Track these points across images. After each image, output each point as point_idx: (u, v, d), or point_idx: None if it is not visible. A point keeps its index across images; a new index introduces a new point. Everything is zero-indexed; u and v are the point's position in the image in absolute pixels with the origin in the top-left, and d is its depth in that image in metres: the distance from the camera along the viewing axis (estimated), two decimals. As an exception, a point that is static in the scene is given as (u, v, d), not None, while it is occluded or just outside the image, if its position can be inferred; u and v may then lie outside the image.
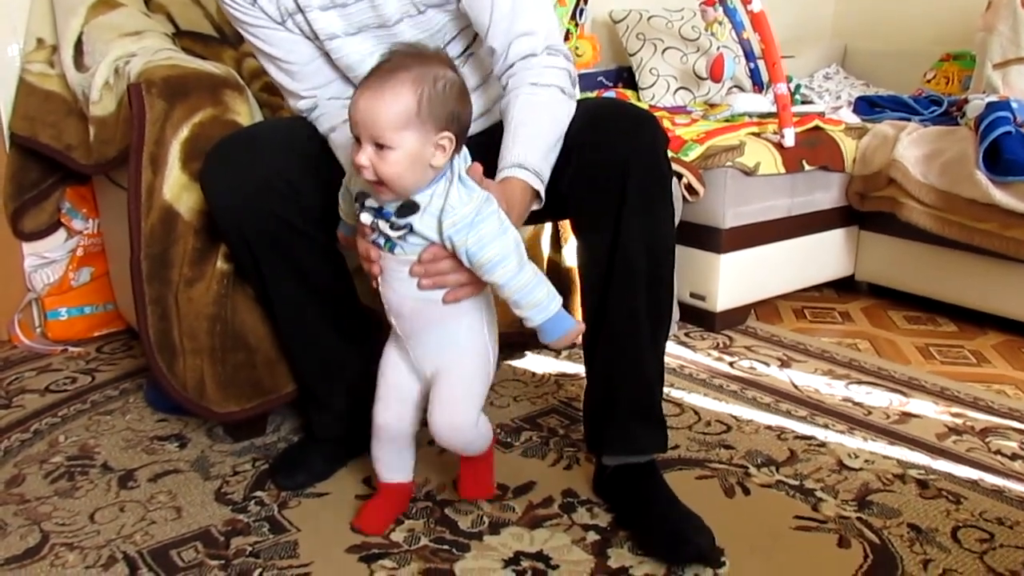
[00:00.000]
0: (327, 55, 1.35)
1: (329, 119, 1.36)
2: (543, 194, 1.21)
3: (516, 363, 1.99)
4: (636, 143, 1.23)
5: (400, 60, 1.06)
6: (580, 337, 1.19)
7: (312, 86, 1.37)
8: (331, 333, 1.43)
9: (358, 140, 1.07)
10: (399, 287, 1.17)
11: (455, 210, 1.08)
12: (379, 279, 1.18)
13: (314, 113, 1.38)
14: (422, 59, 1.07)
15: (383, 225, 1.12)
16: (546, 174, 1.22)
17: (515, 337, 1.81)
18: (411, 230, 1.10)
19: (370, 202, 1.13)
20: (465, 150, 1.13)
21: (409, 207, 1.10)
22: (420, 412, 1.29)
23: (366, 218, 1.13)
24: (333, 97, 1.38)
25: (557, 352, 2.04)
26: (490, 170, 1.19)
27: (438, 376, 1.23)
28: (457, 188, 1.08)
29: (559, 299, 1.13)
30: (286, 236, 1.31)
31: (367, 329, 1.49)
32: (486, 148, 1.21)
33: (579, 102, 1.30)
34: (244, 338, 1.48)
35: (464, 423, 1.24)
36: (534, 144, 1.21)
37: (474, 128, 1.20)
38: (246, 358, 1.49)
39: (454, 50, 1.35)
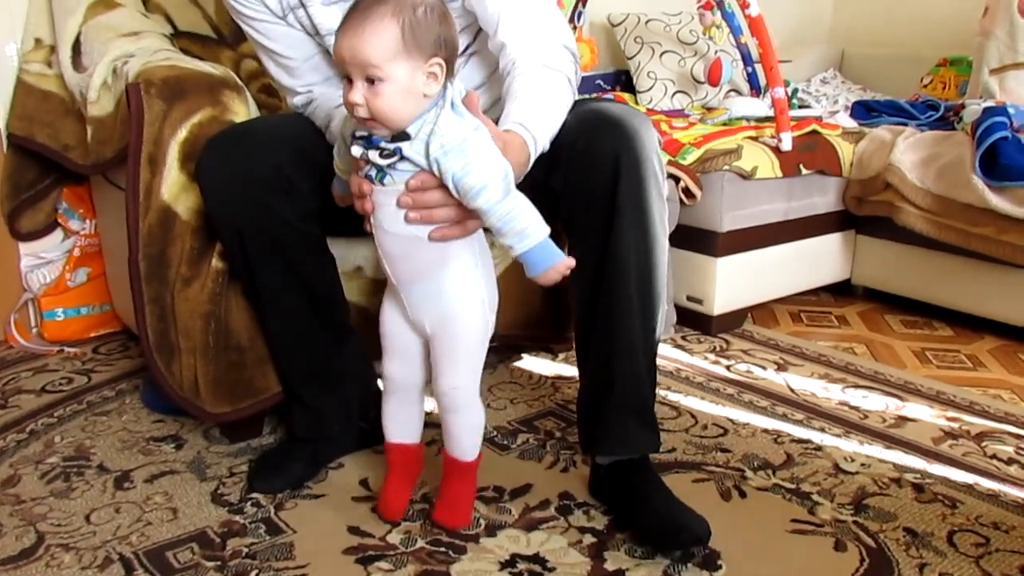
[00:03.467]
0: (326, 51, 1.35)
1: (325, 108, 1.36)
2: (532, 160, 1.20)
3: (513, 366, 1.98)
4: (628, 141, 1.24)
5: None
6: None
7: (309, 82, 1.38)
8: (317, 331, 1.43)
9: (348, 79, 1.06)
10: (388, 223, 1.15)
11: (443, 133, 1.06)
12: (371, 219, 1.17)
13: (310, 107, 1.38)
14: None
15: (373, 155, 1.10)
16: (543, 142, 1.21)
17: (512, 339, 1.82)
18: (401, 156, 1.09)
19: (360, 132, 1.11)
20: (459, 81, 1.12)
21: (400, 135, 1.09)
22: (425, 365, 1.29)
23: (356, 150, 1.11)
24: (329, 91, 1.38)
25: (554, 354, 2.04)
26: None
27: (435, 337, 1.23)
28: (448, 113, 1.08)
29: (546, 229, 1.11)
30: (278, 231, 1.31)
31: (352, 329, 1.49)
32: None
33: (574, 103, 1.31)
34: (236, 337, 1.48)
35: (464, 384, 1.24)
36: (534, 110, 1.21)
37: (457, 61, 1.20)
38: (238, 358, 1.49)
39: None
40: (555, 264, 1.11)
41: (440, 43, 1.06)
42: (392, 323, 1.28)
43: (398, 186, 1.12)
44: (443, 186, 1.10)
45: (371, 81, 1.04)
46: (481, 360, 1.27)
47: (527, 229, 1.09)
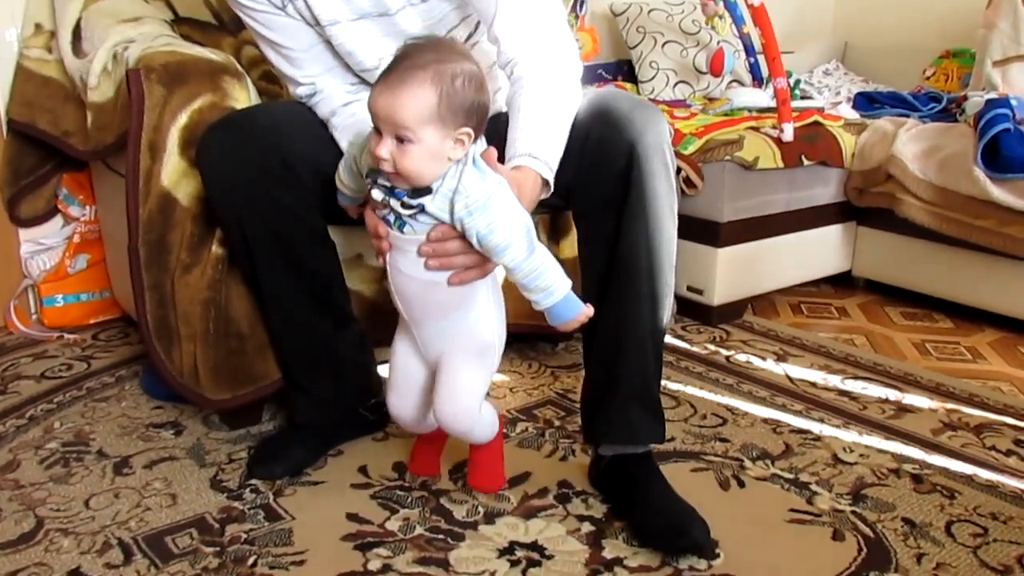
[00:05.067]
0: (327, 42, 1.34)
1: (329, 103, 1.36)
2: (552, 183, 1.21)
3: (512, 355, 1.99)
4: (641, 134, 1.24)
5: (419, 55, 1.06)
6: (578, 331, 1.19)
7: (311, 73, 1.37)
8: (317, 318, 1.43)
9: (378, 131, 1.07)
10: (406, 267, 1.17)
11: (468, 193, 1.08)
12: (386, 257, 1.18)
13: (314, 98, 1.38)
14: (439, 52, 1.07)
15: (394, 203, 1.12)
16: (555, 163, 1.22)
17: (515, 329, 1.81)
18: (422, 210, 1.11)
19: (383, 180, 1.12)
20: (482, 136, 1.13)
21: (422, 189, 1.10)
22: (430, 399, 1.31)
23: (377, 195, 1.12)
24: (333, 83, 1.38)
25: (554, 343, 2.04)
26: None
27: (442, 362, 1.24)
28: (471, 171, 1.09)
29: (568, 283, 1.13)
30: (279, 217, 1.31)
31: (352, 316, 1.49)
32: (489, 137, 1.21)
33: (584, 93, 1.30)
34: (236, 324, 1.48)
35: (465, 411, 1.25)
36: (543, 133, 1.21)
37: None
38: (238, 344, 1.49)
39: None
40: (577, 315, 1.14)
41: (472, 112, 1.08)
42: (403, 356, 1.30)
43: (418, 236, 1.13)
44: (462, 236, 1.12)
45: (400, 140, 1.05)
46: (484, 391, 1.28)
47: (552, 286, 1.12)
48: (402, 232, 1.14)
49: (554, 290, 1.12)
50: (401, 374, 1.31)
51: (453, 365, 1.23)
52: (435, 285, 1.17)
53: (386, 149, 1.06)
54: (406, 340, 1.29)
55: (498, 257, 1.11)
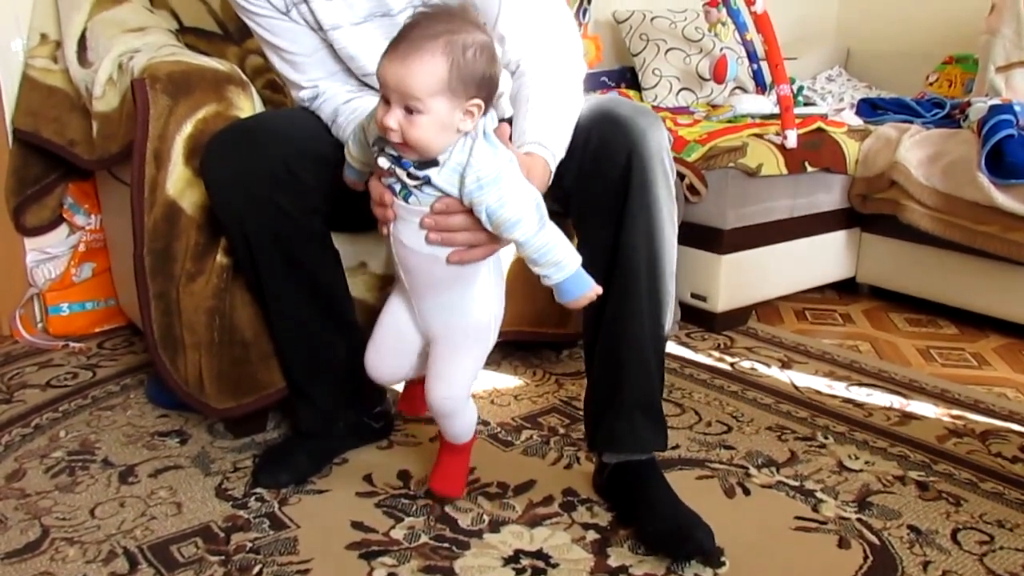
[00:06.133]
0: (330, 46, 1.35)
1: (331, 103, 1.36)
2: (552, 175, 1.21)
3: (517, 362, 1.99)
4: (640, 141, 1.24)
5: (430, 24, 1.04)
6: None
7: (314, 77, 1.37)
8: (320, 325, 1.43)
9: (386, 101, 1.06)
10: (408, 238, 1.15)
11: (479, 166, 1.07)
12: (390, 226, 1.17)
13: (316, 101, 1.38)
14: (451, 22, 1.05)
15: (400, 172, 1.11)
16: (560, 156, 1.22)
17: (518, 336, 1.81)
18: (428, 181, 1.10)
19: (390, 148, 1.11)
20: (492, 110, 1.12)
21: (429, 161, 1.09)
22: (417, 362, 1.30)
23: (384, 162, 1.11)
24: (335, 85, 1.38)
25: (558, 351, 2.04)
26: None
27: (438, 346, 1.24)
28: (482, 145, 1.08)
29: (578, 258, 1.12)
30: (283, 226, 1.31)
31: (356, 323, 1.49)
32: None
33: (585, 99, 1.31)
34: (241, 333, 1.48)
35: (457, 394, 1.26)
36: (550, 125, 1.22)
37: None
38: (242, 353, 1.49)
39: None
40: (586, 292, 1.13)
41: (484, 83, 1.06)
42: (395, 315, 1.28)
43: (422, 207, 1.12)
44: (467, 211, 1.11)
45: (409, 110, 1.04)
46: (477, 373, 1.28)
47: (563, 260, 1.11)
48: (407, 202, 1.12)
49: (565, 264, 1.11)
50: (389, 333, 1.29)
51: (449, 348, 1.23)
52: (436, 260, 1.15)
53: (394, 119, 1.04)
54: (403, 303, 1.27)
55: (508, 232, 1.09)
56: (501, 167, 1.07)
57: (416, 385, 1.41)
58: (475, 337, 1.24)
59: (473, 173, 1.07)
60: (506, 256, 1.24)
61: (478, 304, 1.22)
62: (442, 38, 1.03)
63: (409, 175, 1.10)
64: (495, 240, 1.14)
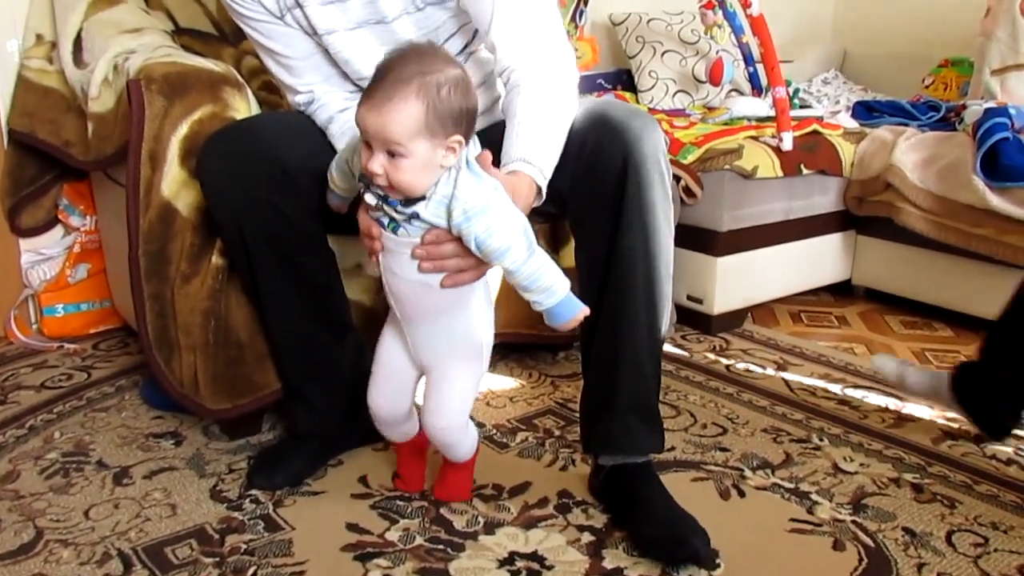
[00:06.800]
0: (325, 51, 1.35)
1: (327, 109, 1.36)
2: (544, 191, 1.21)
3: (512, 364, 1.99)
4: (635, 144, 1.24)
5: (401, 67, 1.05)
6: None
7: (310, 81, 1.37)
8: (317, 328, 1.43)
9: (368, 145, 1.07)
10: (399, 268, 1.16)
11: (465, 198, 1.07)
12: (379, 257, 1.18)
13: (312, 106, 1.38)
14: (421, 62, 1.05)
15: (388, 208, 1.11)
16: (549, 171, 1.22)
17: (514, 338, 1.81)
18: (416, 216, 1.10)
19: (376, 187, 1.12)
20: (475, 137, 1.13)
21: (415, 198, 1.10)
22: (413, 395, 1.32)
23: (371, 199, 1.12)
24: (331, 91, 1.38)
25: (554, 352, 2.04)
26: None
27: (432, 375, 1.25)
28: (466, 176, 1.08)
29: (567, 282, 1.13)
30: (279, 227, 1.31)
31: (352, 325, 1.49)
32: (486, 146, 1.22)
33: (580, 102, 1.31)
34: (236, 334, 1.48)
35: (454, 424, 1.28)
36: (538, 140, 1.22)
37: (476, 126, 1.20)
38: (238, 354, 1.49)
39: (453, 47, 1.35)
40: (576, 315, 1.14)
41: (461, 118, 1.07)
42: (390, 352, 1.30)
43: (412, 238, 1.13)
44: (456, 239, 1.11)
45: (392, 154, 1.05)
46: (472, 400, 1.29)
47: (553, 286, 1.12)
48: (395, 234, 1.14)
49: (555, 290, 1.12)
50: (385, 369, 1.31)
51: (444, 376, 1.25)
52: (428, 287, 1.16)
53: (378, 164, 1.05)
54: (396, 336, 1.29)
55: (498, 261, 1.10)
56: (487, 197, 1.08)
57: (407, 459, 1.44)
58: (467, 362, 1.25)
59: (460, 205, 1.07)
60: (494, 279, 1.24)
61: (469, 328, 1.23)
62: (415, 81, 1.04)
63: (396, 211, 1.11)
64: (484, 263, 1.15)
